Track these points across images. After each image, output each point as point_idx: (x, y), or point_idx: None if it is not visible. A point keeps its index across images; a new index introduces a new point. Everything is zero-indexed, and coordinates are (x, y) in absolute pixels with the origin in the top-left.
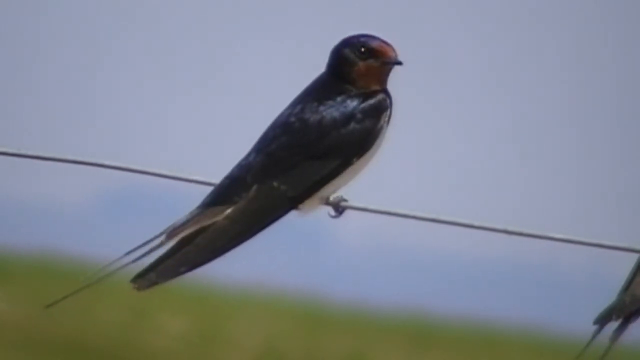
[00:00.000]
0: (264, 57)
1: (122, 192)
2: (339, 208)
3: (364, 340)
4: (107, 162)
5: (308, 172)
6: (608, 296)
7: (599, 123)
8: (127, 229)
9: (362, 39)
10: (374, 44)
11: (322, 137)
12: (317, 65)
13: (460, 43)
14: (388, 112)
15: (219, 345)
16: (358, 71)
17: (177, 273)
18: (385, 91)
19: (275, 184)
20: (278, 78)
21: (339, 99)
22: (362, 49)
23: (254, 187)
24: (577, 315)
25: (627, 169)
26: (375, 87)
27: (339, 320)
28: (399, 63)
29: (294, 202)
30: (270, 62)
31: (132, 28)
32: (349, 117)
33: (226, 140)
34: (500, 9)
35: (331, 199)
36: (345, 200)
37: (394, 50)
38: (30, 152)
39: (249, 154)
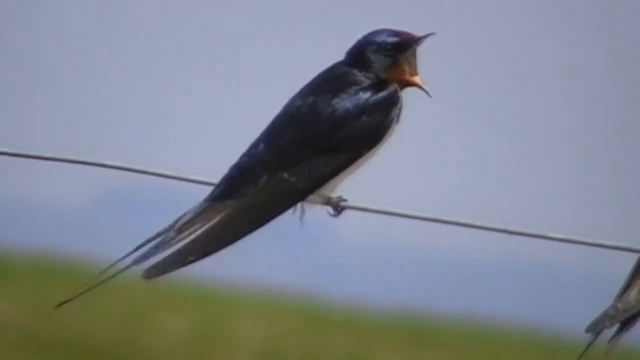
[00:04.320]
0: (265, 57)
1: (122, 192)
2: (338, 207)
3: (363, 339)
4: (107, 162)
5: (319, 165)
6: (607, 296)
7: (599, 123)
8: (127, 229)
9: (383, 33)
10: (393, 36)
11: (334, 129)
12: (317, 65)
13: (459, 43)
14: (399, 106)
15: (219, 345)
16: (377, 66)
17: (186, 262)
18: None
19: (285, 175)
20: (279, 77)
21: (352, 90)
22: (396, 44)
23: (264, 178)
24: (576, 315)
25: (627, 168)
26: (404, 79)
27: (339, 319)
28: (422, 37)
29: (303, 194)
30: (271, 61)
31: (132, 27)
32: (362, 109)
33: (227, 140)
34: (501, 9)
35: (333, 198)
36: (344, 200)
37: (405, 39)
38: (30, 152)
39: (257, 144)
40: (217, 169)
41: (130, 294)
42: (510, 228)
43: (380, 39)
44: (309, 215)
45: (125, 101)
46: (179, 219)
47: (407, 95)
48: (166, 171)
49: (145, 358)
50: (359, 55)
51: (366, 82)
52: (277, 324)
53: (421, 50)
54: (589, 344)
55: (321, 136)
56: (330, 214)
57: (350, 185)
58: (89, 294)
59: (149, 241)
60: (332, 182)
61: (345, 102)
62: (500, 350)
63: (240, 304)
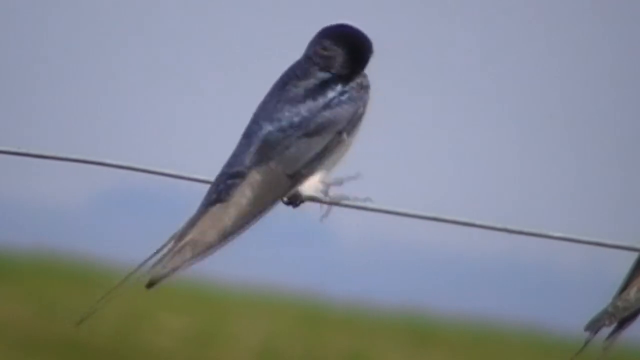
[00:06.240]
0: (265, 58)
1: (122, 191)
2: (327, 196)
3: (363, 338)
4: (107, 161)
5: (302, 150)
6: (607, 295)
7: (599, 122)
8: (127, 228)
9: (341, 29)
10: (355, 35)
11: (312, 117)
12: None
13: (460, 41)
14: (369, 90)
15: (219, 344)
16: (338, 61)
17: (188, 264)
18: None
19: (272, 165)
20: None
21: (320, 82)
22: (341, 40)
23: (252, 172)
24: (576, 314)
25: (627, 168)
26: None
27: (339, 318)
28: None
29: (292, 181)
30: (273, 62)
31: (133, 28)
32: (336, 95)
33: (227, 139)
34: (498, 8)
35: (326, 194)
36: (347, 198)
37: (369, 40)
38: (30, 151)
39: (237, 149)
40: (217, 167)
41: (130, 294)
42: (510, 227)
43: (336, 32)
44: (310, 215)
45: (126, 100)
46: (176, 232)
47: (408, 95)
48: (167, 170)
49: (146, 357)
50: (314, 48)
51: (329, 74)
52: (277, 323)
53: (423, 51)
54: (587, 341)
55: (300, 124)
56: (323, 216)
57: (352, 184)
58: (88, 294)
59: (150, 258)
60: (320, 167)
61: (318, 90)
62: (500, 349)
63: (240, 304)
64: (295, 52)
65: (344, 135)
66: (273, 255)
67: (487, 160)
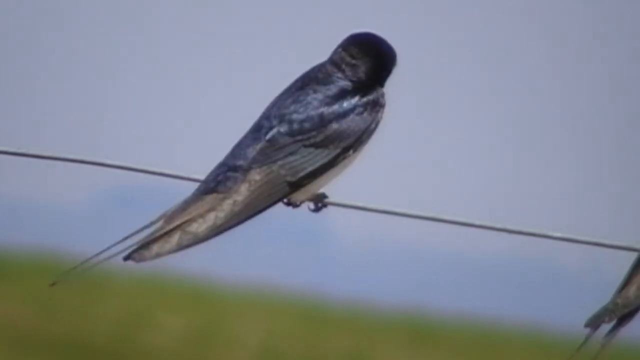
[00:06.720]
0: (265, 58)
1: (122, 191)
2: (319, 204)
3: (363, 338)
4: (107, 161)
5: (307, 159)
6: (606, 295)
7: (599, 122)
8: (127, 228)
9: (372, 39)
10: (383, 45)
11: (322, 127)
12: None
13: (458, 40)
14: (384, 109)
15: (219, 344)
16: (363, 70)
17: (177, 249)
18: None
19: (274, 168)
20: (280, 78)
21: (339, 91)
22: (371, 49)
23: (253, 171)
24: (576, 314)
25: (627, 168)
26: (376, 85)
27: (339, 318)
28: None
29: (292, 187)
30: (271, 62)
31: (133, 28)
32: (350, 109)
33: (228, 140)
34: (499, 11)
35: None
36: (326, 197)
37: (396, 53)
38: (29, 151)
39: (243, 141)
40: None
41: (129, 293)
42: (510, 227)
43: (364, 40)
44: (310, 215)
45: (125, 100)
46: (167, 211)
47: (407, 94)
48: (166, 170)
49: (145, 357)
50: (341, 54)
51: (350, 83)
52: (277, 322)
53: (423, 50)
54: (587, 337)
55: (309, 132)
56: (311, 209)
57: (352, 184)
58: (88, 293)
59: (136, 232)
60: (321, 179)
61: (333, 101)
62: (500, 349)
63: (240, 303)
64: (295, 52)
65: (350, 152)
66: (273, 255)
67: (487, 160)
